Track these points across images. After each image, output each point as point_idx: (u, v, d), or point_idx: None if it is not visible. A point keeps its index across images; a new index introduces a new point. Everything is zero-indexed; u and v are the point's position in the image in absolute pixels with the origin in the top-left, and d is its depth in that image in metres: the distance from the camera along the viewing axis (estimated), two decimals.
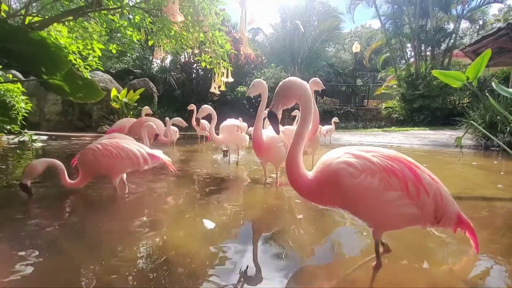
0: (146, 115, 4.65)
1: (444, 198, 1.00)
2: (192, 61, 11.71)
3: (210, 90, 3.79)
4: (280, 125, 3.50)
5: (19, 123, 4.50)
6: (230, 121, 3.36)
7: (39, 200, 1.93)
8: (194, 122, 5.10)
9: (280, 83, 1.17)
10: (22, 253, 1.14)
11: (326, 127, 5.90)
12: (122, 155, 1.93)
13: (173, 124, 4.49)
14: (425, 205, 0.97)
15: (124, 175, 2.15)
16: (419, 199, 0.96)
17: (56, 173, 1.88)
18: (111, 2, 3.21)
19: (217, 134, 3.23)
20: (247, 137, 3.71)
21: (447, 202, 1.01)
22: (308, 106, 1.12)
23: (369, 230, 1.51)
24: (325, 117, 6.21)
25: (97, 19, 3.75)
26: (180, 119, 4.25)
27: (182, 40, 3.75)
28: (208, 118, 3.46)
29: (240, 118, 5.54)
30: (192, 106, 5.12)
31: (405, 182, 0.96)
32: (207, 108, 3.13)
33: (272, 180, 2.47)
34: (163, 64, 12.60)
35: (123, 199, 1.97)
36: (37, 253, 1.15)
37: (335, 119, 6.10)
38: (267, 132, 2.21)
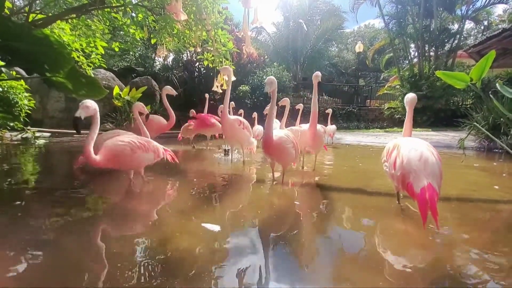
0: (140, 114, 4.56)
1: (397, 167, 1.51)
2: (195, 59, 11.72)
3: (212, 89, 3.78)
4: (283, 126, 3.48)
5: (22, 120, 4.52)
6: (232, 116, 3.21)
7: (41, 196, 1.94)
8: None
9: None
10: (22, 251, 1.15)
11: (331, 127, 5.86)
12: (151, 148, 2.12)
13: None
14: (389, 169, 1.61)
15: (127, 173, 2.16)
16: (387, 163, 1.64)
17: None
18: (114, 0, 3.22)
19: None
20: (255, 141, 3.55)
21: (398, 171, 1.49)
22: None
23: (370, 228, 1.52)
24: (326, 117, 6.17)
25: (100, 17, 3.76)
26: (170, 87, 4.02)
27: (185, 39, 3.75)
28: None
29: (241, 111, 5.45)
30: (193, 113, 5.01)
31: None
32: (227, 69, 3.07)
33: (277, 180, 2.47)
34: (166, 62, 12.61)
35: (123, 199, 1.98)
36: (35, 251, 1.16)
37: (328, 110, 6.11)
38: (277, 132, 2.22)
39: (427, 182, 1.35)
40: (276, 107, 2.19)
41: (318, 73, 2.67)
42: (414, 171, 1.42)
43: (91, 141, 1.80)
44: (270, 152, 2.19)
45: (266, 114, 4.81)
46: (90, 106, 1.77)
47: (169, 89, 3.88)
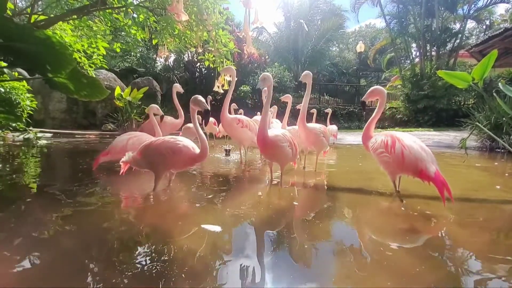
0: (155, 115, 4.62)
1: (406, 157, 1.71)
2: (196, 60, 11.75)
3: (214, 89, 3.78)
4: (285, 126, 3.43)
5: (24, 120, 4.54)
6: (231, 115, 3.17)
7: (39, 197, 1.95)
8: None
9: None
10: (22, 251, 1.15)
11: (332, 127, 5.84)
12: None
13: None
14: (394, 159, 1.76)
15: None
16: (390, 154, 1.79)
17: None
18: (115, 1, 3.23)
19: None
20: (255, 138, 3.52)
21: (408, 160, 1.70)
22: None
23: (371, 228, 1.52)
24: (326, 117, 6.17)
25: (102, 18, 3.78)
26: (179, 85, 3.98)
27: (186, 39, 3.76)
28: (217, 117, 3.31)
29: (241, 110, 5.42)
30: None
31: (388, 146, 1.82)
32: (230, 69, 3.05)
33: (278, 180, 2.46)
34: (167, 63, 12.65)
35: (126, 199, 1.98)
36: (36, 251, 1.16)
37: (327, 110, 6.16)
38: (273, 130, 2.19)
39: (435, 167, 1.63)
40: (271, 104, 2.15)
41: (308, 72, 2.64)
42: (423, 159, 1.66)
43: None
44: (265, 151, 2.14)
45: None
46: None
47: (178, 87, 3.95)
